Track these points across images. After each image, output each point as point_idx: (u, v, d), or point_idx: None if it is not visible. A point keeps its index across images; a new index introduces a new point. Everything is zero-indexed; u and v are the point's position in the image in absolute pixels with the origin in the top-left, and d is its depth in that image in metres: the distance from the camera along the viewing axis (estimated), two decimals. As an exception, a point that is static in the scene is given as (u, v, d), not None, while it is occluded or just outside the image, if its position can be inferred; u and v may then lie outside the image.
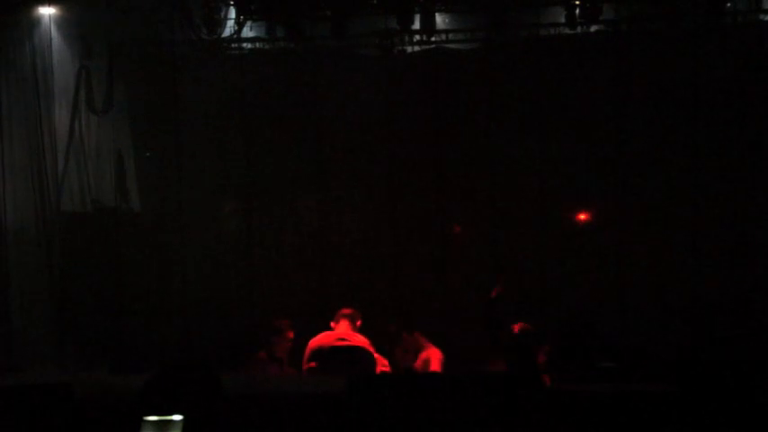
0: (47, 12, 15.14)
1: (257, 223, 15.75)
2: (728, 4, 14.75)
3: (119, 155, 15.57)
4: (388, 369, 13.19)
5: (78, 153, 15.45)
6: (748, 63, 14.56)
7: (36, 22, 15.20)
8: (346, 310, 13.32)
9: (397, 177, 15.48)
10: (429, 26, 15.22)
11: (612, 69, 14.90)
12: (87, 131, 15.54)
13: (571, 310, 14.59)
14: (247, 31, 15.53)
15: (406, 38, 15.42)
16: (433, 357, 13.42)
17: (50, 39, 15.12)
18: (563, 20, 14.88)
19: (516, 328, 12.69)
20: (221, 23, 15.29)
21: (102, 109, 15.38)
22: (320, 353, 13.00)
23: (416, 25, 15.20)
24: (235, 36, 15.50)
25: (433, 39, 15.37)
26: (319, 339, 13.16)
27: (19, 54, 15.15)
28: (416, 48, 15.56)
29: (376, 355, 13.10)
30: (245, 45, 15.72)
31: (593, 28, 14.93)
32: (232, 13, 15.35)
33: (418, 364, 13.43)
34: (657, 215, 14.84)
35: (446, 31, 15.39)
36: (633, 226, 14.85)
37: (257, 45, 15.71)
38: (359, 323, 13.34)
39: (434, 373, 13.05)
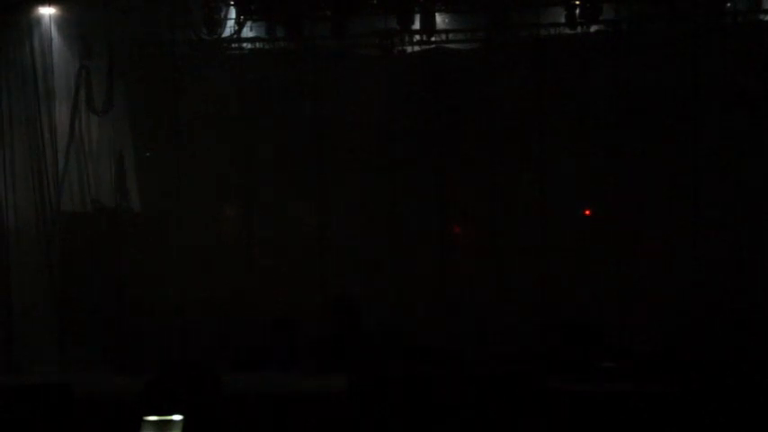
0: (47, 12, 15.15)
1: (257, 224, 15.74)
2: (728, 4, 14.76)
3: (119, 155, 15.57)
4: None
5: (78, 153, 15.46)
6: (749, 63, 14.57)
7: (36, 22, 15.21)
8: None
9: (397, 177, 15.47)
10: (429, 26, 15.22)
11: (612, 69, 14.90)
12: (87, 131, 15.55)
13: (571, 310, 14.58)
14: (247, 31, 15.53)
15: (406, 38, 15.42)
16: None
17: (50, 39, 15.14)
18: (563, 20, 14.89)
19: None
20: (221, 23, 15.29)
21: (102, 109, 15.37)
22: None
23: (416, 25, 15.20)
24: (235, 36, 15.50)
25: (433, 39, 15.37)
26: None
27: (19, 54, 15.16)
28: (416, 48, 15.55)
29: None
30: (245, 45, 15.72)
31: (593, 28, 14.94)
32: (232, 13, 15.36)
33: None
34: (657, 215, 14.83)
35: (446, 31, 15.39)
36: (633, 226, 14.84)
37: (257, 45, 15.71)
38: None
39: (434, 374, 13.03)
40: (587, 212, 15.46)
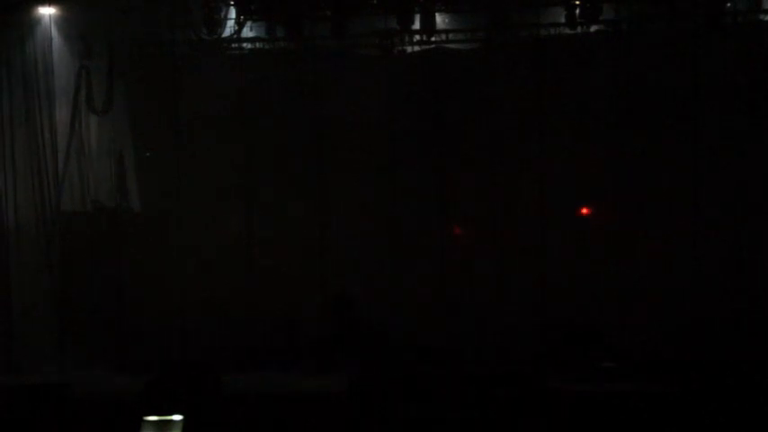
0: (47, 12, 15.17)
1: (257, 224, 15.73)
2: (728, 4, 14.76)
3: (119, 155, 15.58)
4: None
5: (78, 153, 15.47)
6: (749, 63, 14.58)
7: (36, 22, 15.23)
8: None
9: (397, 177, 15.47)
10: (429, 26, 15.22)
11: (612, 69, 14.90)
12: (87, 131, 15.56)
13: (571, 310, 14.58)
14: (247, 31, 15.54)
15: (406, 38, 15.42)
16: None
17: (50, 39, 15.15)
18: (563, 20, 14.89)
19: None
20: (221, 23, 15.30)
21: (102, 109, 15.39)
22: None
23: (416, 25, 15.20)
24: (235, 36, 15.51)
25: (433, 39, 15.37)
26: None
27: (19, 54, 15.18)
28: (416, 48, 15.55)
29: None
30: (245, 45, 15.72)
31: (593, 28, 14.94)
32: (232, 13, 15.36)
33: None
34: (657, 215, 14.83)
35: (446, 31, 15.39)
36: (633, 226, 14.84)
37: (257, 45, 15.71)
38: None
39: (434, 373, 13.05)
40: (587, 212, 15.46)
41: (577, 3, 14.68)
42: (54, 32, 15.17)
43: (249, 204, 15.73)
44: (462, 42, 15.47)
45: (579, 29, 14.91)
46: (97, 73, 15.41)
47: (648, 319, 14.42)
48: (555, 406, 10.69)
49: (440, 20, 15.31)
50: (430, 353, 14.30)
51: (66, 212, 15.37)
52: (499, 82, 15.25)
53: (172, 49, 15.39)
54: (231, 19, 15.36)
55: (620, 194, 14.93)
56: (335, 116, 15.49)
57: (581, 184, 15.15)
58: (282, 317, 15.00)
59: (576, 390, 11.69)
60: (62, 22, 15.22)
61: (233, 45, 15.72)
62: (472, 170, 15.45)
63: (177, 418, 7.84)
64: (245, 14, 15.35)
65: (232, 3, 15.31)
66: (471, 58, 15.50)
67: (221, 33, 15.37)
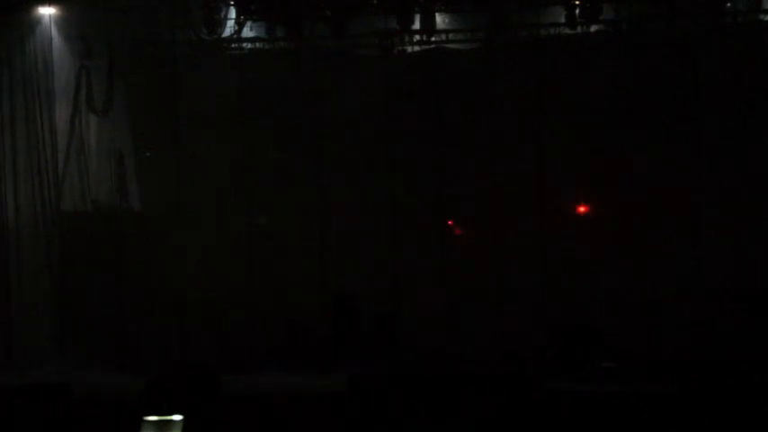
0: (47, 12, 15.17)
1: (257, 223, 15.74)
2: (728, 4, 14.76)
3: (119, 155, 15.58)
4: None
5: (78, 153, 15.48)
6: (749, 63, 14.58)
7: (36, 22, 15.23)
8: None
9: (397, 177, 15.47)
10: (429, 26, 15.23)
11: (612, 69, 14.90)
12: (87, 131, 15.56)
13: (571, 310, 14.58)
14: (247, 31, 15.54)
15: (406, 38, 15.43)
16: None
17: (50, 39, 15.16)
18: (563, 20, 14.89)
19: None
20: (221, 23, 15.31)
21: (102, 109, 15.40)
22: None
23: (416, 25, 15.21)
24: (235, 36, 15.52)
25: (433, 39, 15.38)
26: None
27: (19, 54, 15.18)
28: (416, 48, 15.56)
29: None
30: (245, 45, 15.72)
31: (593, 28, 14.95)
32: (232, 13, 15.37)
33: None
34: (658, 215, 14.84)
35: (446, 31, 15.40)
36: (633, 226, 14.85)
37: (257, 45, 15.71)
38: None
39: (434, 373, 13.05)
40: (587, 212, 15.46)
41: (577, 3, 14.69)
42: (54, 32, 15.18)
43: (249, 204, 15.74)
44: (462, 42, 15.48)
45: (579, 29, 14.92)
46: (97, 73, 15.41)
47: (648, 319, 14.41)
48: (555, 406, 10.69)
49: (440, 20, 15.31)
50: (430, 353, 14.30)
51: (67, 212, 15.37)
52: (499, 82, 15.25)
53: (172, 49, 15.40)
54: (231, 19, 15.37)
55: (619, 194, 14.93)
56: (335, 116, 15.49)
57: (581, 184, 15.16)
58: (282, 317, 14.99)
59: (576, 390, 11.68)
60: (62, 22, 15.22)
61: (233, 45, 15.72)
62: (472, 170, 15.46)
63: (177, 418, 7.83)
64: (245, 14, 15.36)
65: (232, 3, 15.32)
66: (471, 58, 15.50)
67: (221, 33, 15.38)
